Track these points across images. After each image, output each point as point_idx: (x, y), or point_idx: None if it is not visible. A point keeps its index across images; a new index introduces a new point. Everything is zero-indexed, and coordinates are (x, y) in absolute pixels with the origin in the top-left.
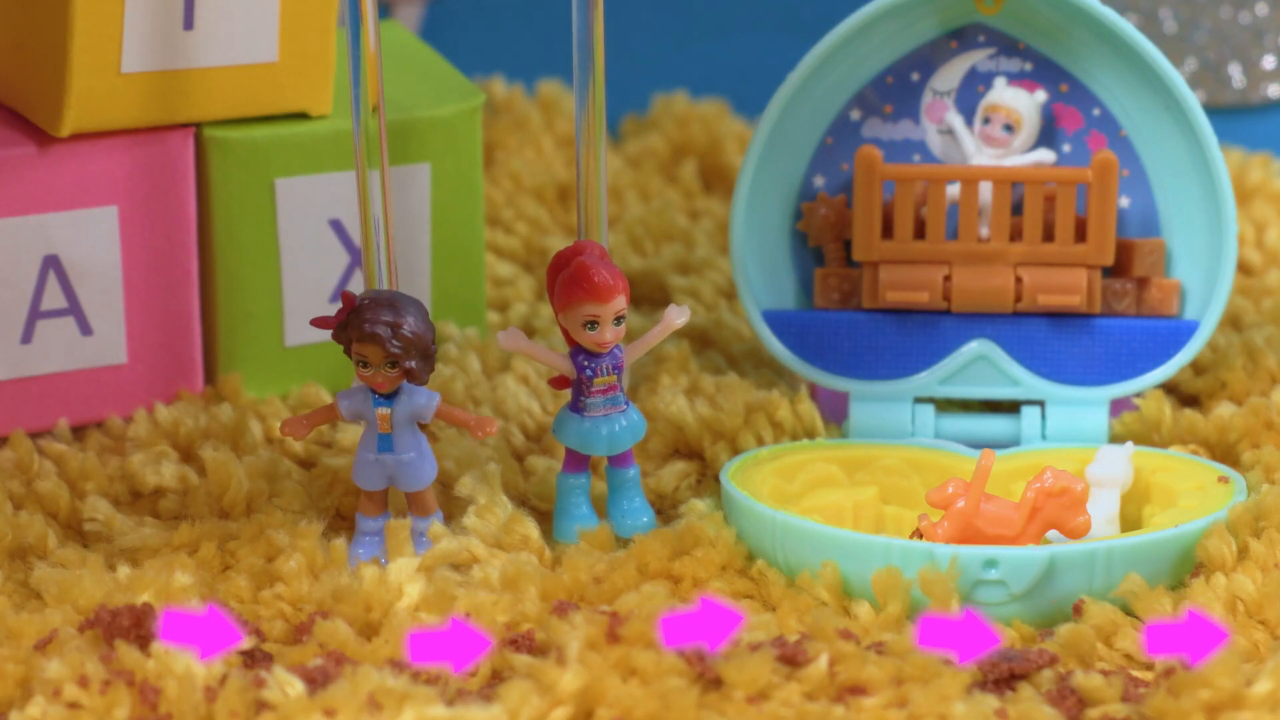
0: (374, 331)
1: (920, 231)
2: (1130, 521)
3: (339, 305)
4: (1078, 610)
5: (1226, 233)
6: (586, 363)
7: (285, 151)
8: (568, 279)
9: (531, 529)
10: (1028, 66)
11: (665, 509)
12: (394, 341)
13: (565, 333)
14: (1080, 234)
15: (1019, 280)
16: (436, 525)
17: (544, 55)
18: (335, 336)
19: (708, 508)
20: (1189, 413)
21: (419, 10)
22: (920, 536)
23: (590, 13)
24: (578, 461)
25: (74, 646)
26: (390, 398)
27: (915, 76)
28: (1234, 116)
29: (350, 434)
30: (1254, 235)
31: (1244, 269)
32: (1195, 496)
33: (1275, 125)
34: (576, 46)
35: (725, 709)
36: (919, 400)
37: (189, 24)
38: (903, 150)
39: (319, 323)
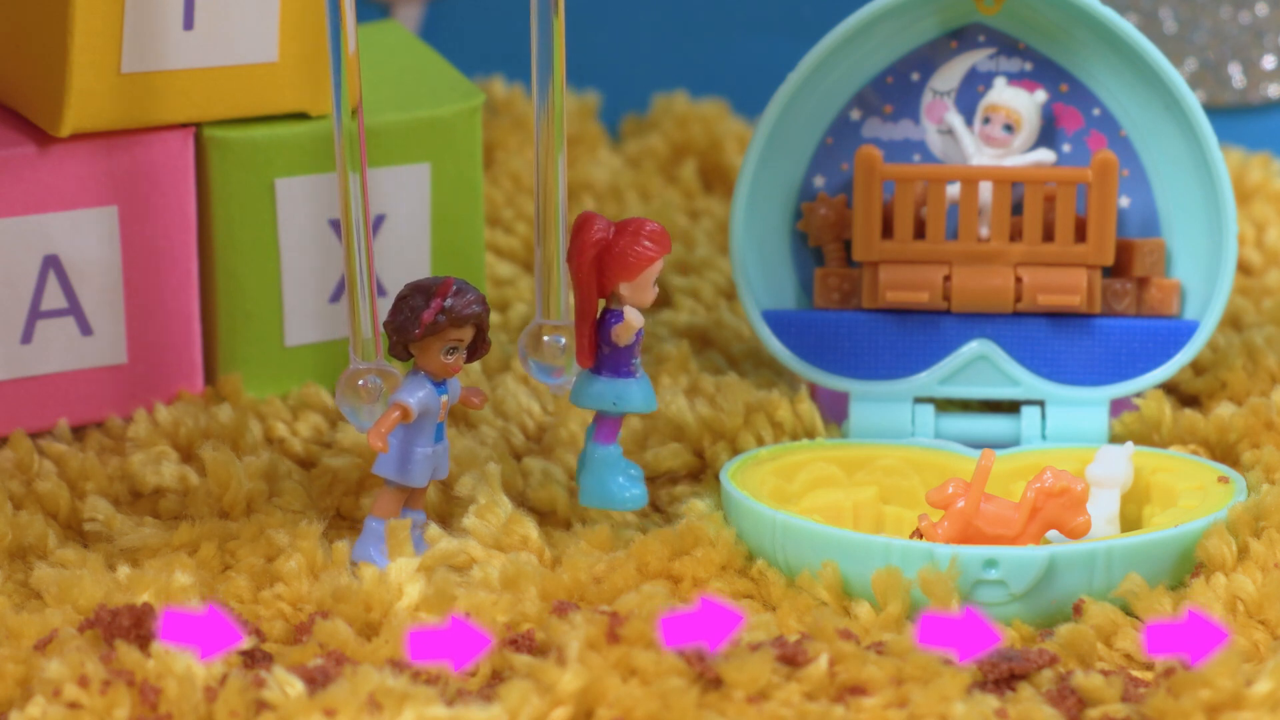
0: (476, 311)
1: (920, 231)
2: (1130, 521)
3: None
4: (1078, 610)
5: (1226, 233)
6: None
7: (285, 151)
8: (648, 240)
9: (531, 529)
10: (1028, 66)
11: (665, 508)
12: (486, 316)
13: (591, 305)
14: (1080, 234)
15: (1019, 280)
16: (434, 528)
17: None
18: (424, 334)
19: (708, 508)
20: (1189, 413)
21: (419, 10)
22: (920, 536)
23: (551, 15)
24: (614, 431)
25: (74, 646)
26: (441, 385)
27: (915, 76)
28: (1234, 116)
29: (349, 434)
30: (1254, 235)
31: (1244, 269)
32: (1195, 496)
33: (1275, 125)
34: (536, 49)
35: (725, 709)
36: (919, 400)
37: (189, 24)
38: (903, 150)
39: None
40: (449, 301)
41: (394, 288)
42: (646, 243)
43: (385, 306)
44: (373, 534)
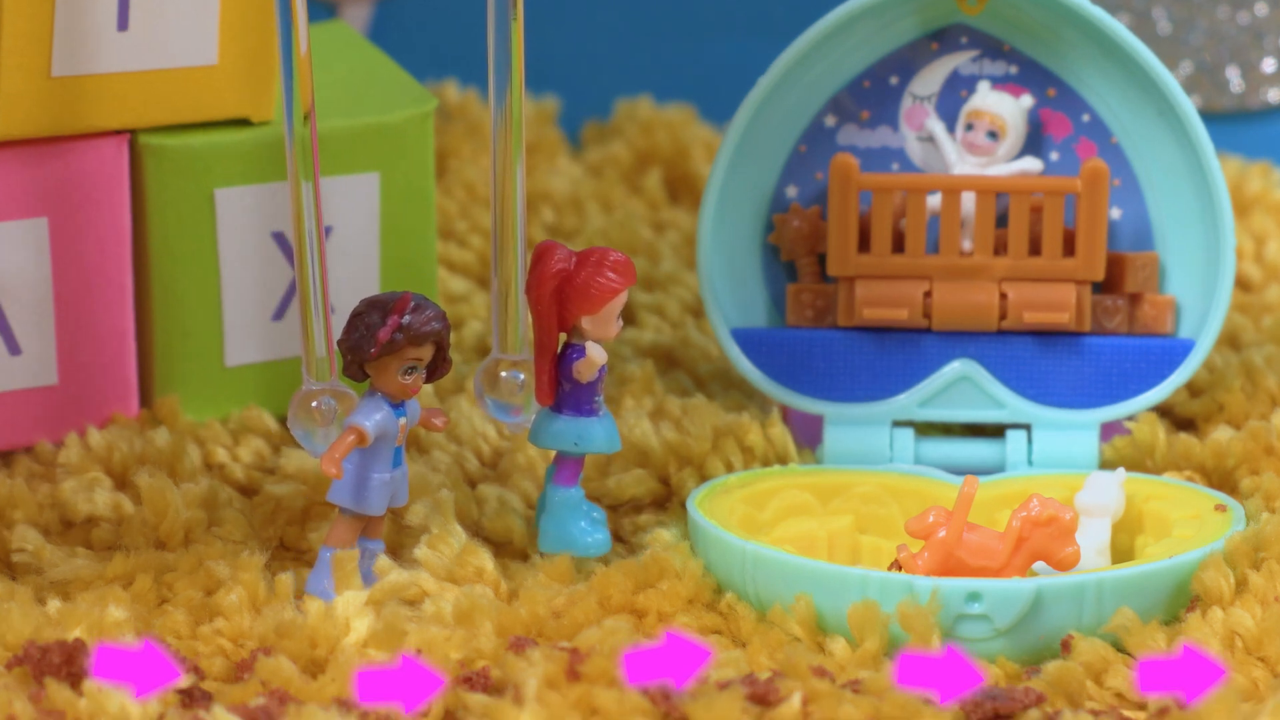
0: (436, 328)
1: (899, 245)
2: (1122, 552)
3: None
4: (1066, 646)
5: (1224, 246)
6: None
7: (225, 160)
8: (612, 271)
9: (486, 560)
10: (1013, 69)
11: (629, 538)
12: (447, 334)
13: (551, 339)
14: (1069, 247)
15: (1004, 296)
16: (384, 559)
17: None
18: (380, 353)
19: (673, 538)
20: (1184, 437)
21: (367, 10)
22: (899, 568)
23: (509, 18)
24: (576, 472)
25: (2, 685)
26: (399, 406)
27: (894, 80)
28: (1232, 122)
29: (293, 459)
30: (1253, 249)
31: (1242, 284)
32: (1191, 526)
33: (1275, 132)
34: (493, 54)
35: None
36: (898, 424)
37: (123, 24)
38: (880, 158)
39: None
40: (407, 318)
41: (341, 305)
42: (610, 274)
43: (337, 325)
44: (327, 565)
